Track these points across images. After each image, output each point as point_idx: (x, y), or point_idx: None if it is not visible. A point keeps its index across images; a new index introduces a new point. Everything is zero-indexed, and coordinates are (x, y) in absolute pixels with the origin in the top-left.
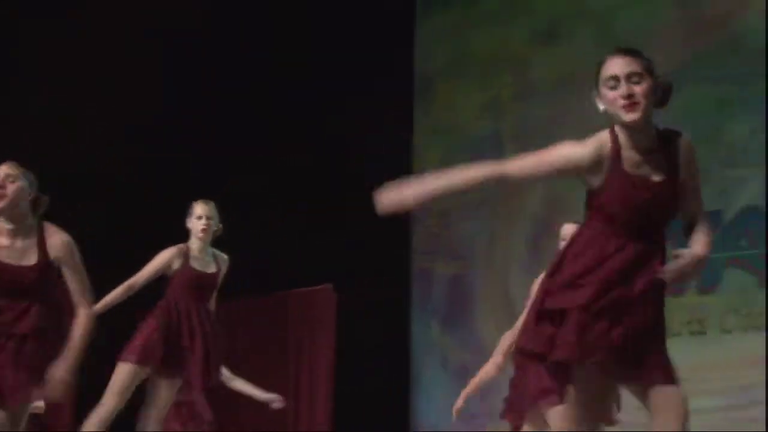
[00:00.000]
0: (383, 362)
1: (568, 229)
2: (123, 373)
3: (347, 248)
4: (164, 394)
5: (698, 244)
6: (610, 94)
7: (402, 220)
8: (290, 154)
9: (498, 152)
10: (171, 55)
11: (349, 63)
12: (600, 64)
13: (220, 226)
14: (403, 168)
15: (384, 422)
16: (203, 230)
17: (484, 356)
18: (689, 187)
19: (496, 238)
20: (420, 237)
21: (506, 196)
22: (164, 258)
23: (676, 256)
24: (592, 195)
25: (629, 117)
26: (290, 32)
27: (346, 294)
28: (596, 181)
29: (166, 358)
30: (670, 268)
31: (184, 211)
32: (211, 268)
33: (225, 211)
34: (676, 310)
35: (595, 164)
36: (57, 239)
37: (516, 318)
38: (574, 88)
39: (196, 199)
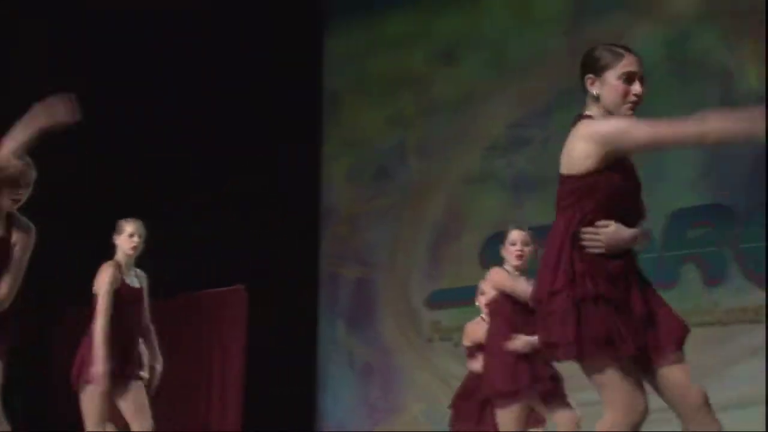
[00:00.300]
0: (292, 360)
1: (516, 235)
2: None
3: (259, 251)
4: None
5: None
6: (623, 87)
7: (311, 226)
8: (206, 161)
9: (402, 163)
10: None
11: (262, 79)
12: (602, 54)
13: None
14: (312, 176)
15: (292, 418)
16: (133, 248)
17: (387, 355)
18: None
19: (398, 244)
20: (328, 242)
21: (409, 205)
22: (113, 276)
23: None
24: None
25: (630, 112)
26: (214, 48)
27: (257, 295)
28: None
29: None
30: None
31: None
32: (137, 284)
33: (142, 215)
34: None
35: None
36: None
37: (416, 319)
38: (472, 105)
39: (112, 211)
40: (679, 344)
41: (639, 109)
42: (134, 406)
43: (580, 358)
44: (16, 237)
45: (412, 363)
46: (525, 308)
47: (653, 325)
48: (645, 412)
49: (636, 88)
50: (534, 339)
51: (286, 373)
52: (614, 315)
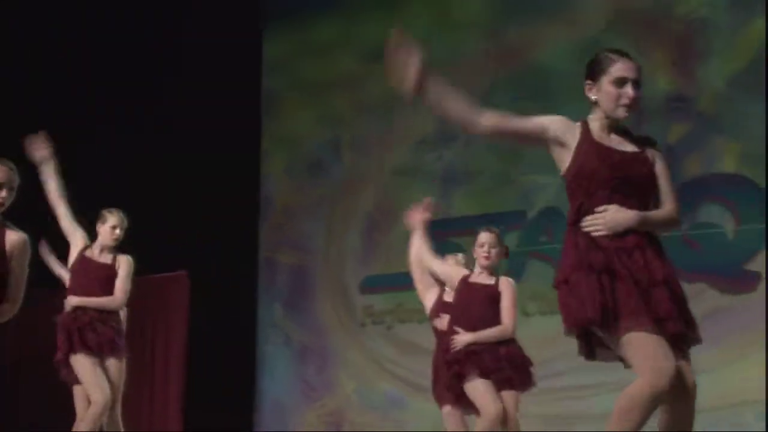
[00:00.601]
0: (232, 342)
1: (484, 237)
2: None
3: (202, 240)
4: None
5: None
6: (615, 91)
7: (250, 216)
8: (156, 155)
9: (336, 157)
10: None
11: (206, 79)
12: (600, 60)
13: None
14: (251, 170)
15: (232, 396)
16: (114, 239)
17: (322, 337)
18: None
19: (333, 233)
20: (266, 231)
21: (343, 197)
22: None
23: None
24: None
25: (624, 114)
26: (159, 50)
27: (200, 280)
28: (565, 154)
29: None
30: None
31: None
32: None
33: (92, 203)
34: None
35: (561, 134)
36: (15, 236)
37: (349, 303)
38: (401, 104)
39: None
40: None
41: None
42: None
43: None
44: (10, 245)
45: (345, 344)
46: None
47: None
48: (671, 377)
49: (627, 91)
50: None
51: (227, 353)
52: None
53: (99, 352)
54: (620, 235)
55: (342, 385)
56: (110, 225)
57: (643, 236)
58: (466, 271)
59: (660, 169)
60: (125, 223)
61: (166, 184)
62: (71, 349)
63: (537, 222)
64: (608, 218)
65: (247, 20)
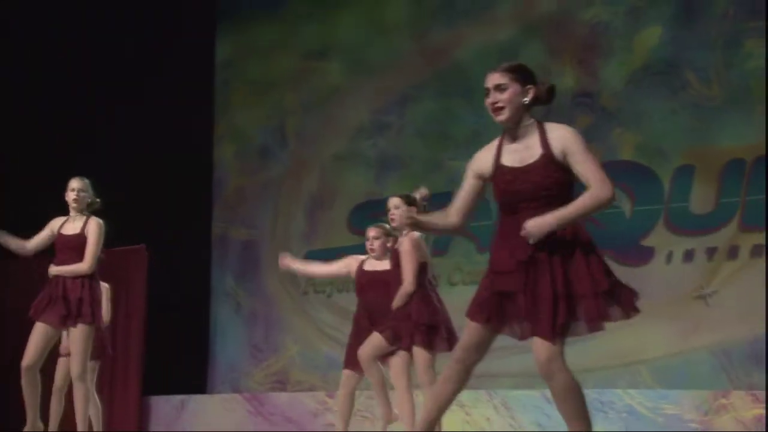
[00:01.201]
0: (187, 309)
1: (393, 201)
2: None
3: (161, 216)
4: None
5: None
6: (486, 102)
7: (205, 195)
8: (123, 141)
9: (282, 144)
10: None
11: (165, 74)
12: None
13: (97, 200)
14: (205, 154)
15: (188, 358)
16: (74, 200)
17: (269, 305)
18: (572, 162)
19: (279, 212)
20: (219, 209)
21: (288, 179)
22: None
23: None
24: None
25: (498, 118)
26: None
27: (157, 253)
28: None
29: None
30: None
31: None
32: (71, 231)
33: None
34: None
35: (485, 165)
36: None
37: (294, 275)
38: (340, 97)
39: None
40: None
41: None
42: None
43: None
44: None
45: (290, 311)
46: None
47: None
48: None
49: (489, 99)
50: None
51: (183, 320)
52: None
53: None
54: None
55: (287, 347)
56: (70, 189)
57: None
58: (359, 260)
59: (573, 155)
60: (89, 188)
61: (131, 167)
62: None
63: None
64: (529, 232)
65: (201, 23)
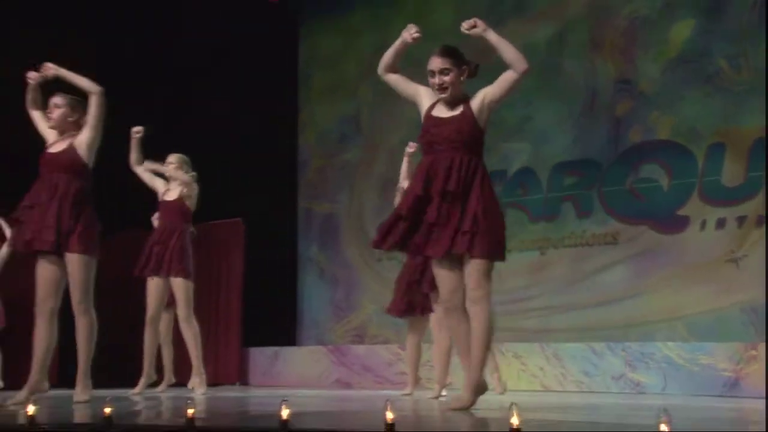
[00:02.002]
0: (278, 275)
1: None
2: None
3: (255, 194)
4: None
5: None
6: (431, 81)
7: (291, 174)
8: (224, 130)
9: (357, 130)
10: None
11: (259, 70)
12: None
13: (193, 174)
14: (291, 139)
15: (280, 315)
16: (51, 118)
17: (348, 270)
18: (489, 99)
19: (354, 189)
20: (304, 186)
21: (363, 160)
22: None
23: None
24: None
25: (442, 95)
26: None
27: (253, 225)
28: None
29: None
30: None
31: None
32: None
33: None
34: None
35: (421, 102)
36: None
37: (369, 243)
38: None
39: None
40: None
41: None
42: None
43: None
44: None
45: (366, 275)
46: None
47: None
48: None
49: (435, 80)
50: None
51: (275, 283)
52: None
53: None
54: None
55: (364, 306)
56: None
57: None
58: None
59: (490, 88)
60: (68, 101)
61: (231, 152)
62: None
63: (514, 179)
64: (478, 22)
65: (287, 28)
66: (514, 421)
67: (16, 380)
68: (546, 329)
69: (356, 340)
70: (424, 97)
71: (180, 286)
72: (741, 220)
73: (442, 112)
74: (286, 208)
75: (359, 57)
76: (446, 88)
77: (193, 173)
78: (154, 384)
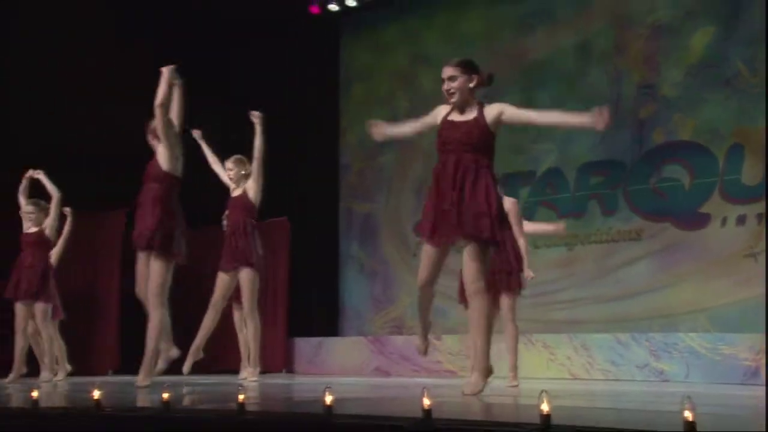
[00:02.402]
0: (321, 269)
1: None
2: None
3: (299, 194)
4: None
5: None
6: (442, 88)
7: (333, 176)
8: (271, 135)
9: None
10: None
11: (303, 80)
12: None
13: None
14: (333, 144)
15: (323, 308)
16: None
17: (386, 265)
18: (507, 117)
19: (392, 190)
20: (345, 187)
21: (400, 163)
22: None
23: None
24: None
25: (450, 101)
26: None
27: (298, 224)
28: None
29: None
30: None
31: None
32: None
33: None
34: None
35: (440, 113)
36: None
37: (405, 240)
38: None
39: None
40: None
41: None
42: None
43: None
44: None
45: (403, 270)
46: None
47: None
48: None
49: (444, 87)
50: None
51: (318, 278)
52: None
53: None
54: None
55: (401, 299)
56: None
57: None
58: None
59: (507, 110)
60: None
61: (277, 156)
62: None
63: (543, 179)
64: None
65: (329, 36)
66: (545, 407)
67: (82, 366)
68: (574, 320)
69: (394, 331)
70: (441, 110)
71: (246, 278)
72: (760, 216)
73: (454, 116)
74: (329, 208)
75: (395, 67)
76: (453, 94)
77: (251, 169)
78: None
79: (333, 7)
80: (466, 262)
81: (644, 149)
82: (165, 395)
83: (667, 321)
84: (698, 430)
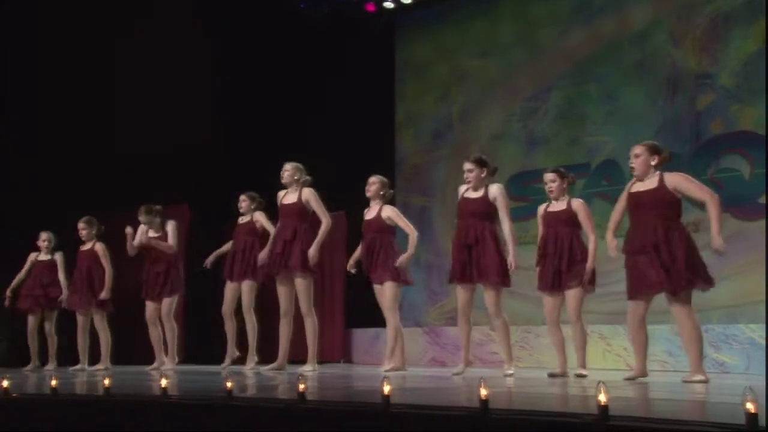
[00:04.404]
0: None
1: (549, 175)
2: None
3: (355, 188)
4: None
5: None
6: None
7: (389, 170)
8: (329, 131)
9: (449, 128)
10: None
11: (359, 77)
12: None
13: (307, 178)
14: (389, 139)
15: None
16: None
17: (442, 258)
18: (498, 205)
19: (448, 183)
20: (401, 180)
21: (455, 155)
22: None
23: None
24: None
25: (469, 184)
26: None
27: (354, 219)
28: None
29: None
30: None
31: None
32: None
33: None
34: None
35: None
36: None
37: None
38: (497, 87)
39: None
40: None
41: None
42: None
43: None
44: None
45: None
46: None
47: None
48: None
49: (464, 175)
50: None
51: None
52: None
53: None
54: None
55: (455, 292)
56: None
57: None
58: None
59: (495, 197)
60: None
61: (335, 151)
62: None
63: (598, 171)
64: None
65: (384, 32)
66: (602, 398)
67: (143, 357)
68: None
69: (450, 322)
70: (461, 189)
71: (299, 282)
72: None
73: (469, 194)
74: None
75: (450, 61)
76: (470, 181)
77: (307, 178)
78: (240, 361)
79: (388, 4)
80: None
81: (702, 139)
82: (229, 384)
83: (727, 312)
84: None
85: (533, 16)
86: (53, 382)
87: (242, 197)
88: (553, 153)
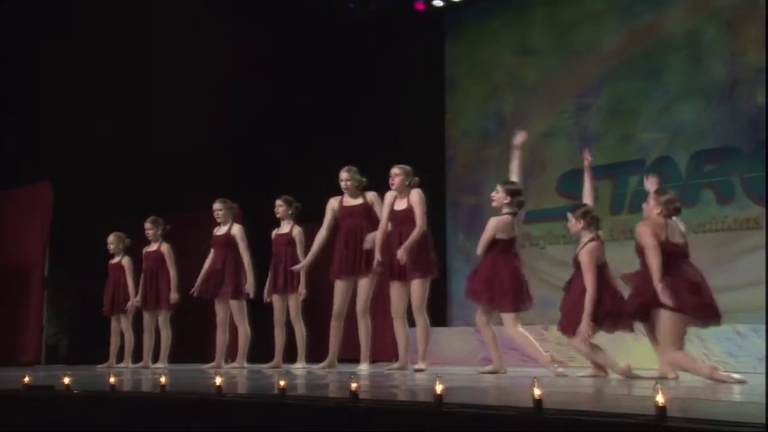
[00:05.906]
0: None
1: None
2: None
3: None
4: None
5: None
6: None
7: (439, 169)
8: (382, 127)
9: (500, 125)
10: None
11: (409, 74)
12: None
13: (362, 180)
14: (438, 136)
15: (431, 298)
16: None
17: None
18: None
19: (498, 180)
20: (451, 179)
21: (505, 153)
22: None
23: None
24: None
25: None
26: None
27: None
28: None
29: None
30: None
31: None
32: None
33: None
34: (616, 224)
35: None
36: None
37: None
38: (546, 83)
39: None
40: None
41: None
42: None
43: None
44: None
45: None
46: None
47: None
48: None
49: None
50: None
51: None
52: None
53: None
54: None
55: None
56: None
57: None
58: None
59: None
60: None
61: (384, 152)
62: None
63: (653, 168)
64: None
65: (434, 30)
66: (659, 399)
67: (204, 354)
68: None
69: (501, 322)
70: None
71: (362, 284)
72: None
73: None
74: (436, 200)
75: (500, 59)
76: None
77: (362, 179)
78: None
79: (438, 2)
80: None
81: (762, 135)
82: (281, 382)
83: None
84: None
85: (583, 11)
86: (112, 380)
87: (278, 202)
88: (606, 149)
